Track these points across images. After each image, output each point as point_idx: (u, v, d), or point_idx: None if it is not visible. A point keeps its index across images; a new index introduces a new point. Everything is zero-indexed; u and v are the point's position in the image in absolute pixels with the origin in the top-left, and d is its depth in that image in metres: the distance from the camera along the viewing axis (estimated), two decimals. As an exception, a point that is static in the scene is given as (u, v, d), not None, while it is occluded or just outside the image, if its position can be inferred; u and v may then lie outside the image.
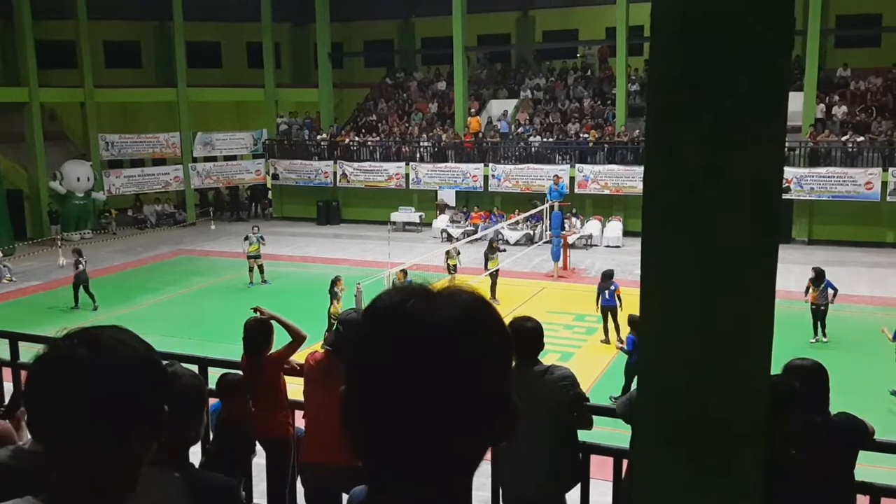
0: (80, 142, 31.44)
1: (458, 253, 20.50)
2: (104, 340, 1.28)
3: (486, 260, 19.29)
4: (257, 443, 5.46)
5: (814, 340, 15.23)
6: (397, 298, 1.01)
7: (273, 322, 5.44)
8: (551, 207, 21.81)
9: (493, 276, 18.82)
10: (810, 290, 15.61)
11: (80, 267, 18.71)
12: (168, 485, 2.20)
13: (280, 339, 5.48)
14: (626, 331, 12.88)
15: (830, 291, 15.53)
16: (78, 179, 28.85)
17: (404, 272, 17.07)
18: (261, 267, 21.19)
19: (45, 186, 28.56)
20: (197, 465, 3.39)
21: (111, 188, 30.67)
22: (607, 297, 15.68)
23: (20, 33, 28.38)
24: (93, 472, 1.25)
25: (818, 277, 15.65)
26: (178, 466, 2.29)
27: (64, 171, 28.74)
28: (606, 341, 15.59)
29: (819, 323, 15.54)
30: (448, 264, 19.85)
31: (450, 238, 26.71)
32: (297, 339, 5.41)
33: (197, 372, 4.76)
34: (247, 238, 21.37)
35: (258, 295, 19.85)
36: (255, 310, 5.59)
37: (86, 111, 30.56)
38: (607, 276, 15.92)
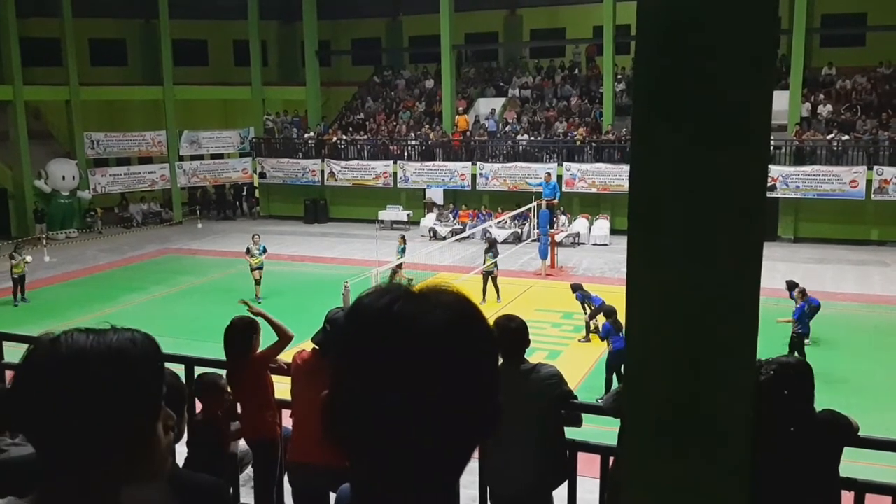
0: (65, 140, 31.22)
1: (404, 246, 20.30)
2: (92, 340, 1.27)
3: (484, 260, 19.11)
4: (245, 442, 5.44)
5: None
6: (383, 301, 0.98)
7: (260, 320, 5.40)
8: (538, 206, 21.85)
9: (487, 276, 18.66)
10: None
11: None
12: (151, 486, 2.19)
13: (266, 338, 5.45)
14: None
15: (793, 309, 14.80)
16: (63, 178, 28.69)
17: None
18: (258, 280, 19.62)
19: (30, 185, 28.37)
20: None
21: (97, 187, 30.48)
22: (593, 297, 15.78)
23: (4, 31, 28.14)
24: (80, 472, 1.24)
25: (788, 289, 15.26)
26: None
27: (49, 170, 28.56)
28: (587, 339, 15.75)
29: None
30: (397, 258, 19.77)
31: (434, 236, 26.71)
32: (284, 339, 5.36)
33: (183, 371, 4.76)
34: (248, 250, 19.83)
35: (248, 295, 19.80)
36: (243, 303, 5.55)
37: (71, 109, 30.34)
38: (579, 287, 16.12)
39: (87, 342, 1.23)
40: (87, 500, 1.25)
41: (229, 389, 5.17)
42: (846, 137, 24.90)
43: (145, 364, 1.27)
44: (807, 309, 14.98)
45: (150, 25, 33.39)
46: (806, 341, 15.06)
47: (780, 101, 24.47)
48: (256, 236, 20.27)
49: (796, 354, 13.19)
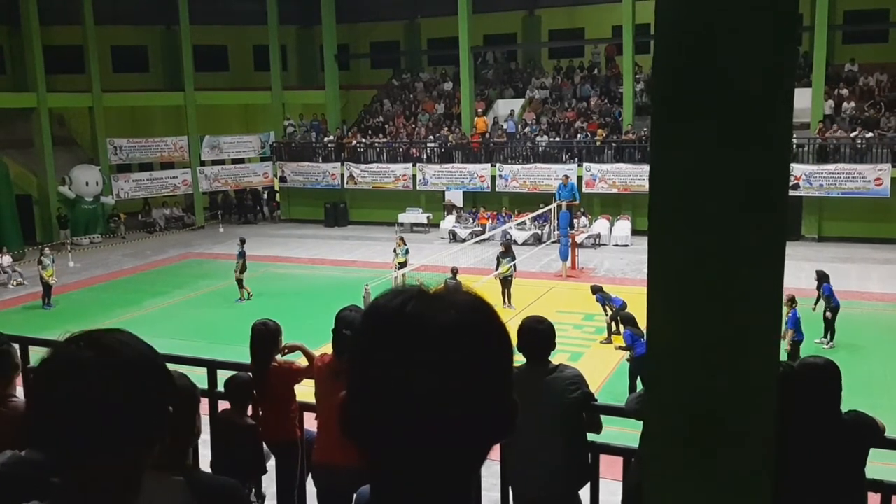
0: (88, 146, 31.57)
1: (407, 252, 20.23)
2: (108, 343, 1.29)
3: (497, 264, 19.04)
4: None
5: (818, 341, 14.92)
6: (396, 301, 1.00)
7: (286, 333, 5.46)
8: (559, 207, 21.78)
9: (505, 281, 18.57)
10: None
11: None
12: (170, 488, 2.20)
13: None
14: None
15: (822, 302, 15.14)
16: (87, 184, 29.00)
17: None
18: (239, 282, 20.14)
19: (55, 191, 28.70)
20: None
21: (120, 192, 30.78)
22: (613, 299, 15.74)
23: (28, 39, 28.54)
24: (98, 474, 1.25)
25: (819, 280, 15.42)
26: (180, 469, 2.29)
27: (73, 176, 28.88)
28: (609, 341, 15.69)
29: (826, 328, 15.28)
30: (396, 263, 19.68)
31: (454, 238, 26.70)
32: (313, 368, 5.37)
33: (206, 374, 4.79)
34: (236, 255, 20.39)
35: (258, 304, 19.90)
36: (284, 348, 5.52)
37: (94, 116, 30.70)
38: (599, 289, 16.08)
39: (93, 354, 1.28)
40: (103, 501, 1.27)
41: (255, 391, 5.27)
42: (870, 135, 24.60)
43: (151, 370, 1.32)
44: (827, 311, 14.93)
45: (171, 32, 33.69)
46: (829, 344, 14.91)
47: (803, 99, 24.24)
48: (240, 243, 20.46)
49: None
